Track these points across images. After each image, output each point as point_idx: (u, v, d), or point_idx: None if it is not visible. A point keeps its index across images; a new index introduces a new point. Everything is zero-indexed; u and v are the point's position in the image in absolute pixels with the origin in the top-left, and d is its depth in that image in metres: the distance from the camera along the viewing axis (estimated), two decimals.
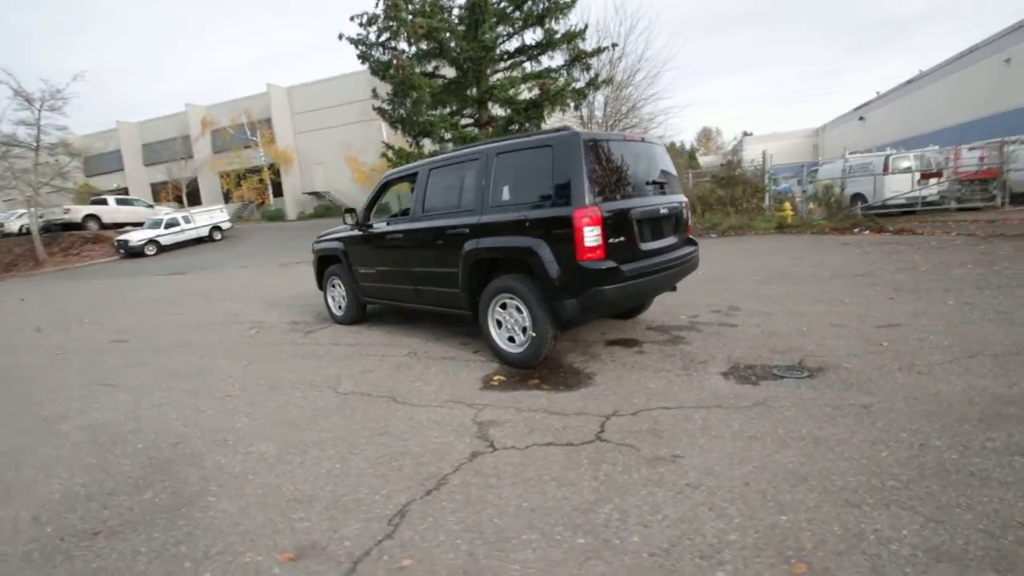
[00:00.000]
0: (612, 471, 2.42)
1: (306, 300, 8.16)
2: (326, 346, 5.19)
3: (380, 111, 18.96)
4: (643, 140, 4.29)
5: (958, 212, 14.19)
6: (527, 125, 17.44)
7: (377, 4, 17.53)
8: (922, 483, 2.13)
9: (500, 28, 17.62)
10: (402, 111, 18.12)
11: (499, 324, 4.21)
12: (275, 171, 32.42)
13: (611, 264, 3.61)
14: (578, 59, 17.62)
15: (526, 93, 17.54)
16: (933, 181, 14.60)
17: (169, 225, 21.65)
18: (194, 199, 33.55)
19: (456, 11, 18.35)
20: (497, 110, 18.92)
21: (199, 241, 22.86)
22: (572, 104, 17.65)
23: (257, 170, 31.86)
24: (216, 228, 23.68)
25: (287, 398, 3.78)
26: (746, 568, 1.73)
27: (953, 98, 21.76)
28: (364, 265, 5.55)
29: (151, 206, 26.95)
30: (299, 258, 16.26)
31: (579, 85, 17.37)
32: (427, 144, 18.89)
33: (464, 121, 18.44)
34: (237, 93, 33.60)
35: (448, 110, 18.70)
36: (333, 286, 6.18)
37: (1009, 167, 14.41)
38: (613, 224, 3.68)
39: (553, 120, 18.83)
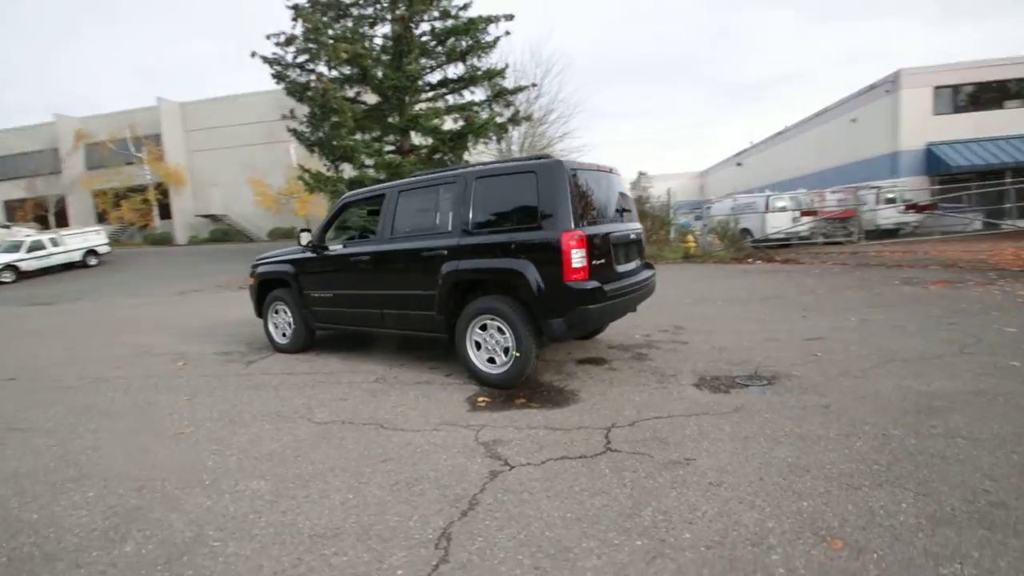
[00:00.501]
0: (636, 477, 2.53)
1: (228, 329, 7.49)
2: (278, 375, 4.81)
3: (295, 133, 18.23)
4: (611, 171, 4.61)
5: (824, 245, 16.58)
6: (449, 156, 17.71)
7: (294, 26, 17.05)
8: (898, 465, 2.48)
9: (424, 60, 17.87)
10: (321, 134, 17.57)
11: (478, 346, 4.21)
12: (163, 191, 29.47)
13: (596, 284, 3.80)
14: (500, 95, 18.33)
15: (450, 124, 17.78)
16: (808, 219, 16.93)
17: (32, 248, 18.71)
18: (61, 220, 29.40)
19: (379, 40, 18.38)
20: (419, 139, 19.00)
21: (70, 267, 19.98)
22: (494, 137, 18.20)
23: (141, 189, 28.75)
24: (91, 252, 20.90)
25: (256, 431, 3.45)
26: (794, 549, 1.91)
27: (813, 149, 25.62)
28: (319, 289, 5.26)
29: (7, 226, 23.15)
30: (198, 285, 14.90)
31: (501, 120, 18.00)
32: (347, 169, 18.39)
33: (386, 148, 18.24)
34: (121, 107, 30.26)
35: (368, 136, 18.38)
36: (276, 312, 5.76)
37: (863, 208, 17.16)
38: (594, 247, 3.90)
39: (476, 153, 19.30)
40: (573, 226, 3.77)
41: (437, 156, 18.18)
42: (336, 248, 5.18)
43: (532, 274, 3.81)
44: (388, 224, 4.72)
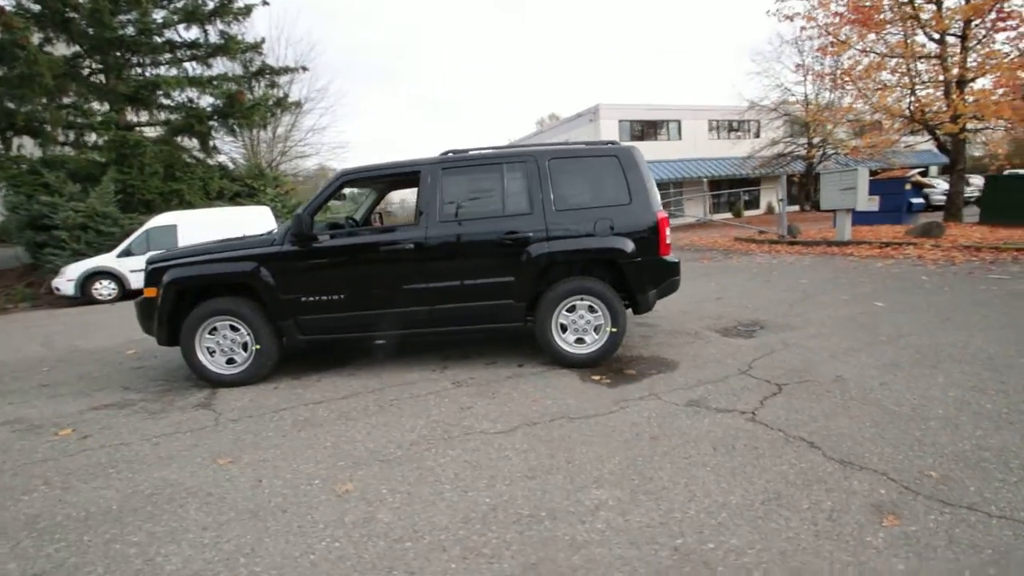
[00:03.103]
0: (846, 392, 3.23)
1: (39, 376, 4.77)
2: (310, 406, 3.54)
3: None
4: None
5: None
6: (208, 137, 14.38)
7: None
8: (945, 350, 3.90)
9: (156, 15, 13.84)
10: None
11: (563, 328, 4.13)
12: None
13: (677, 258, 4.30)
14: (262, 73, 15.76)
15: (208, 99, 14.36)
16: None
17: None
18: None
19: None
20: (137, 114, 14.71)
21: None
22: (260, 121, 15.57)
23: None
24: None
25: (447, 458, 2.67)
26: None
27: None
28: (318, 291, 4.01)
29: None
30: None
31: (270, 103, 15.52)
32: (28, 145, 12.81)
33: (97, 119, 13.40)
34: None
35: (59, 102, 13.17)
36: (213, 332, 4.07)
37: None
38: None
39: (229, 141, 16.10)
40: (660, 206, 4.18)
41: (182, 138, 14.49)
42: (332, 239, 4.08)
43: (633, 250, 4.03)
44: (434, 206, 4.05)
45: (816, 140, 24.55)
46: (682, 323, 5.40)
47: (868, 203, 11.93)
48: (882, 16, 12.56)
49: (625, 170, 4.13)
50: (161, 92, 13.49)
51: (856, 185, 11.27)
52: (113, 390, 4.28)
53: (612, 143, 4.37)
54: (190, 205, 13.32)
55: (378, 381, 4.05)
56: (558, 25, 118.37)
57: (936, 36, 12.42)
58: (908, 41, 12.94)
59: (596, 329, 4.13)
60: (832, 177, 11.97)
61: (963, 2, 11.68)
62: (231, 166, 16.81)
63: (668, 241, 4.16)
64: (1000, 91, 11.42)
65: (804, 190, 27.27)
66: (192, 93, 14.17)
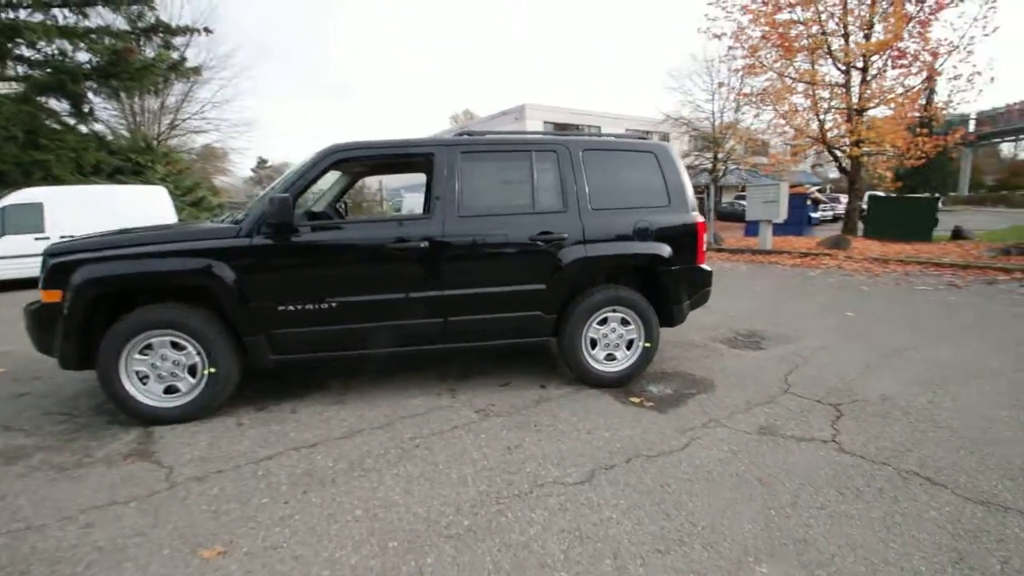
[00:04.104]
0: (903, 413, 3.09)
1: None
2: (303, 452, 2.67)
3: None
4: None
5: None
6: (84, 97, 11.90)
7: None
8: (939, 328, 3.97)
9: None
10: None
11: (592, 343, 3.65)
12: None
13: (711, 266, 3.99)
14: (154, 31, 13.41)
15: (84, 55, 11.85)
16: None
17: None
18: None
19: None
20: None
21: None
22: (151, 86, 13.24)
23: None
24: None
25: (521, 533, 2.05)
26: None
27: None
28: (299, 299, 3.11)
29: None
30: None
31: (164, 66, 13.22)
32: None
33: None
34: None
35: None
36: (147, 351, 3.01)
37: None
38: None
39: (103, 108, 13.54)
40: (696, 209, 3.83)
41: (48, 100, 11.85)
42: (313, 230, 3.22)
43: (670, 257, 3.64)
44: (451, 197, 3.34)
45: (721, 155, 26.48)
46: (678, 333, 5.15)
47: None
48: (799, 44, 13.60)
49: (663, 169, 3.73)
50: (23, 41, 10.84)
51: (778, 199, 12.07)
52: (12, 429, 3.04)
53: (644, 137, 3.96)
54: (58, 180, 10.86)
55: (377, 411, 3.26)
56: (472, 25, 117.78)
57: (843, 67, 13.72)
58: (815, 69, 14.19)
59: (628, 344, 3.69)
60: (758, 191, 12.74)
61: (867, 39, 13.00)
62: (110, 136, 14.13)
63: (704, 248, 3.83)
64: (893, 122, 12.86)
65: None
66: (64, 45, 11.61)
